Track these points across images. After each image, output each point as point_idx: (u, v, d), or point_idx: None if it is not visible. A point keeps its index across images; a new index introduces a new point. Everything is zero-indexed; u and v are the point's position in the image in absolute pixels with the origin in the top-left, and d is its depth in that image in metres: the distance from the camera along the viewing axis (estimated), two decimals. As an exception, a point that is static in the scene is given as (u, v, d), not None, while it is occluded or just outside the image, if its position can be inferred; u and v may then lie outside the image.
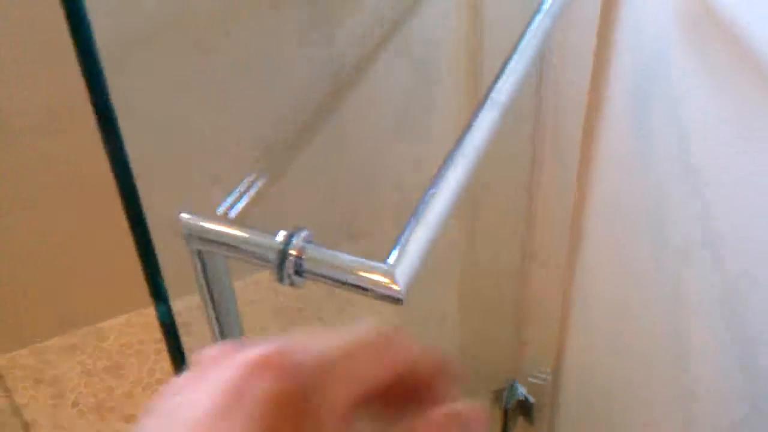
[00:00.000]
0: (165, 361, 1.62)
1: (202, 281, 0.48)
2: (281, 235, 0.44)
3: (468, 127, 0.52)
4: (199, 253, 0.47)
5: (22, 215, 1.53)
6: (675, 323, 0.87)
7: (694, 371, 0.86)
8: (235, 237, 0.45)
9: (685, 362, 0.87)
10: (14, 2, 1.28)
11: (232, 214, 0.50)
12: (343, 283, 0.44)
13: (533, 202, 1.07)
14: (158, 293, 0.32)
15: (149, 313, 1.68)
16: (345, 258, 0.44)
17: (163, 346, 1.62)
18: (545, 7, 0.64)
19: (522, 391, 1.26)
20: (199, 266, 0.48)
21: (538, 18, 0.62)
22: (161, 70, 1.43)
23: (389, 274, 0.43)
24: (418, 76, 1.30)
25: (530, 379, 1.22)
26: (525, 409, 1.26)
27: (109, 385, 1.59)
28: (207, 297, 0.49)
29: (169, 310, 0.33)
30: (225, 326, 0.50)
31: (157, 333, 1.68)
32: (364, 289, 0.43)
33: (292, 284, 0.45)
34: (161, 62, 1.41)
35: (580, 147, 0.92)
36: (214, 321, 0.50)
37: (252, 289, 1.31)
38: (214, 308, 0.49)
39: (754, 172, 0.68)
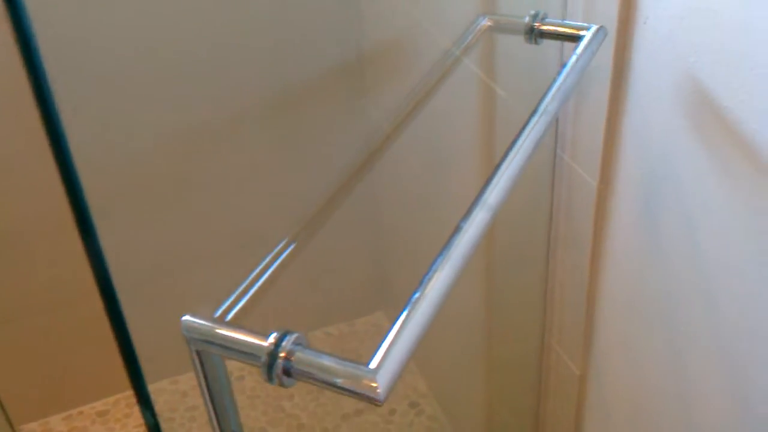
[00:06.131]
0: (197, 429, 1.65)
1: (201, 378, 0.51)
2: (272, 338, 0.47)
3: (457, 229, 0.55)
4: (198, 353, 0.50)
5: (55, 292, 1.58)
6: (687, 412, 0.87)
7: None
8: (229, 339, 0.48)
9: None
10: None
11: (231, 314, 0.53)
12: (328, 386, 0.46)
13: (550, 289, 1.10)
14: (144, 399, 0.35)
15: (181, 380, 1.71)
16: (331, 361, 0.46)
17: (196, 414, 1.64)
18: (542, 106, 0.67)
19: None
20: (198, 364, 0.51)
21: (534, 119, 0.65)
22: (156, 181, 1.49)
23: (371, 378, 0.45)
24: (439, 152, 1.34)
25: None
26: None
27: (138, 452, 1.62)
28: (205, 392, 0.52)
29: (153, 414, 0.36)
30: (222, 420, 0.53)
31: (190, 400, 1.71)
32: (349, 392, 0.46)
33: (281, 384, 0.47)
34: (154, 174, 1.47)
35: (592, 241, 0.94)
36: (212, 415, 0.53)
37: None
38: (212, 403, 0.52)
39: (762, 263, 0.69)
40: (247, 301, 0.53)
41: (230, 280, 0.58)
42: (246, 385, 1.70)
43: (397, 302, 1.82)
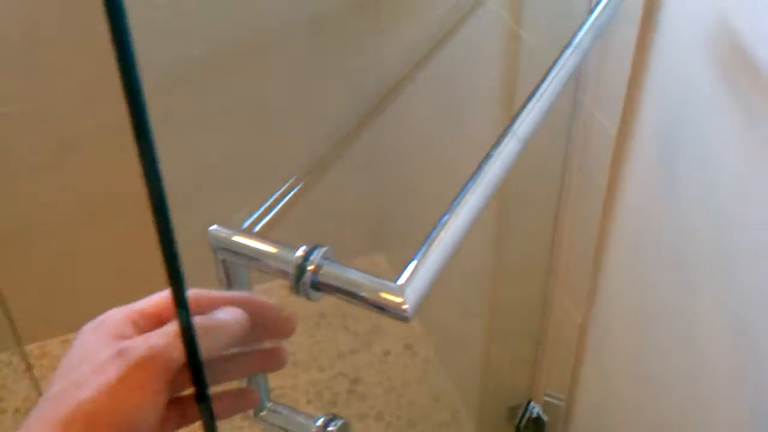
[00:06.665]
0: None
1: (225, 287, 0.51)
2: (301, 250, 0.47)
3: (487, 157, 0.54)
4: (224, 262, 0.50)
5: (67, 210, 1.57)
6: (692, 357, 0.87)
7: (711, 402, 0.86)
8: (258, 250, 0.48)
9: (702, 394, 0.88)
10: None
11: (259, 227, 0.52)
12: (356, 299, 0.46)
13: (558, 236, 1.09)
14: (181, 302, 0.35)
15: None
16: (358, 276, 0.46)
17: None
18: (575, 41, 0.66)
19: (536, 409, 1.28)
20: (222, 274, 0.51)
21: (567, 52, 0.64)
22: (201, 94, 1.47)
23: (398, 293, 0.45)
24: (452, 95, 1.33)
25: (545, 398, 1.24)
26: (538, 426, 1.27)
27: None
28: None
29: (188, 316, 0.36)
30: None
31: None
32: (375, 307, 0.46)
33: (307, 297, 0.47)
34: (201, 84, 1.46)
35: (606, 188, 0.94)
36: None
37: (277, 293, 1.34)
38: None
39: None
40: (271, 219, 0.53)
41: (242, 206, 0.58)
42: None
43: (397, 245, 1.83)
